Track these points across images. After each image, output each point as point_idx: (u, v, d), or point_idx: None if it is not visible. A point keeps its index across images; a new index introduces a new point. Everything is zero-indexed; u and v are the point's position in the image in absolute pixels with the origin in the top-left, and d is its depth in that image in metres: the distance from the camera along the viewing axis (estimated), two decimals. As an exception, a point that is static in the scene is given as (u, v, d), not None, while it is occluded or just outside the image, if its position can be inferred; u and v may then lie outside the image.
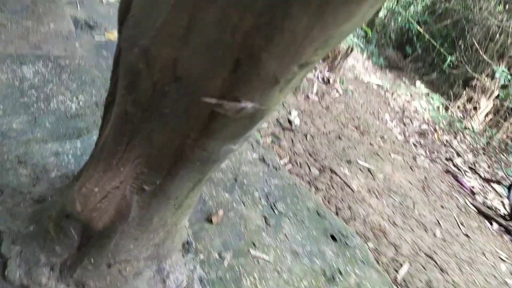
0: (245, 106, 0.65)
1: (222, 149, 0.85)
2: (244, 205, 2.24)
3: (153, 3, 0.62)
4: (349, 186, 3.00)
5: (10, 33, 1.91)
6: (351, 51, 4.14)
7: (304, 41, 0.57)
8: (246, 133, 0.81)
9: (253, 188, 2.39)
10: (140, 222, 1.05)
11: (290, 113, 3.31)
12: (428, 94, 6.89)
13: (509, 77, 5.88)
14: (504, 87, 6.40)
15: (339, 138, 3.51)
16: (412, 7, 8.32)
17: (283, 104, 3.38)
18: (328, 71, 4.14)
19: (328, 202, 2.80)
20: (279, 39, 0.54)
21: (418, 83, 7.16)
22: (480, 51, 6.69)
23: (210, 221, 1.95)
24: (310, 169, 2.98)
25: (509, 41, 6.79)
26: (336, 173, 3.05)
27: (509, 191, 3.96)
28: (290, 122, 3.22)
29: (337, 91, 4.03)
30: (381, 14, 8.12)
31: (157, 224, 1.09)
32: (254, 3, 0.52)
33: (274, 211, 2.32)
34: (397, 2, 8.24)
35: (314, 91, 3.76)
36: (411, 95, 6.44)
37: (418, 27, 7.21)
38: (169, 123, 0.77)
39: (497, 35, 6.97)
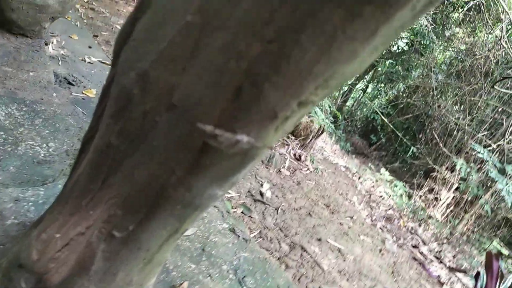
0: (241, 140, 0.62)
1: (207, 193, 0.79)
2: (211, 278, 2.08)
3: (159, 27, 0.61)
4: (319, 266, 2.89)
5: (-15, 78, 1.86)
6: (322, 131, 4.32)
7: (308, 76, 0.57)
8: (234, 175, 0.77)
9: (222, 260, 2.24)
10: (102, 277, 0.93)
11: (262, 186, 3.28)
12: (392, 181, 7.13)
13: (468, 169, 6.24)
14: (463, 179, 6.75)
15: (310, 215, 3.46)
16: (376, 99, 9.00)
17: (255, 176, 3.36)
18: (299, 148, 4.25)
19: (299, 281, 2.66)
20: (285, 69, 0.54)
21: (382, 170, 7.44)
22: (440, 145, 7.17)
23: (174, 290, 1.78)
24: (280, 245, 2.87)
25: (465, 138, 7.35)
26: (306, 251, 2.94)
27: (476, 282, 3.93)
28: (261, 194, 3.18)
29: (308, 168, 4.09)
30: (348, 103, 8.71)
31: (120, 282, 0.96)
32: (265, 29, 0.52)
33: (242, 286, 2.16)
34: (364, 93, 8.92)
35: (286, 165, 3.80)
36: (376, 181, 6.63)
37: (382, 117, 7.72)
38: (156, 157, 0.72)
39: (455, 131, 7.56)
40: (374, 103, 8.97)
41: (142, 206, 0.80)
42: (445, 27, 8.60)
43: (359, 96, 9.07)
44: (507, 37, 6.36)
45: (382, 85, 9.21)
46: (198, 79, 0.59)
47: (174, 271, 2.00)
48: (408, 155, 7.73)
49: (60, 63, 2.60)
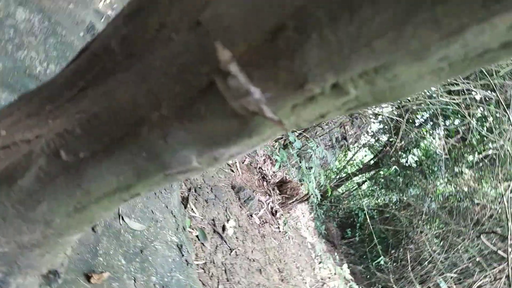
0: (252, 93, 0.52)
1: (182, 153, 0.67)
2: (135, 282, 1.87)
3: None
4: (246, 326, 2.64)
5: None
6: (307, 199, 4.20)
7: (363, 48, 0.47)
8: (221, 145, 0.65)
9: (154, 270, 2.04)
10: (24, 198, 0.78)
11: (228, 221, 3.10)
12: (349, 282, 6.85)
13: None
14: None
15: (260, 271, 3.24)
16: (367, 198, 8.94)
17: (226, 209, 3.20)
18: (279, 205, 4.10)
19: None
20: (343, 24, 0.45)
21: (345, 266, 7.18)
22: (409, 268, 6.98)
23: (88, 279, 1.58)
24: (218, 286, 2.64)
25: (434, 273, 7.17)
26: (240, 305, 2.71)
27: None
28: (224, 229, 2.99)
29: (278, 227, 3.92)
30: (340, 189, 8.65)
31: (40, 215, 0.81)
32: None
33: (161, 306, 1.94)
34: (358, 187, 8.89)
35: (260, 214, 3.64)
36: (334, 273, 6.37)
37: (366, 217, 7.61)
38: (149, 81, 0.61)
39: (426, 262, 7.39)
40: (364, 201, 8.89)
41: (105, 135, 0.68)
42: (457, 164, 8.75)
43: (352, 188, 9.03)
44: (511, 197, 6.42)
45: (378, 187, 9.20)
46: (238, 2, 0.50)
47: (101, 257, 1.80)
48: (374, 264, 7.51)
49: (102, 20, 2.57)
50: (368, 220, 7.70)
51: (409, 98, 7.51)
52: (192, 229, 2.70)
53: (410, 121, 8.29)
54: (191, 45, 0.55)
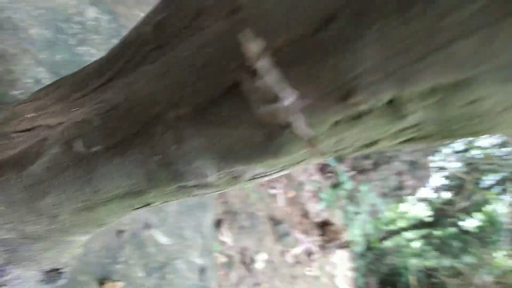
0: (284, 97, 0.42)
1: (196, 163, 0.58)
2: (149, 298, 1.78)
3: None
4: None
5: None
6: (349, 245, 3.91)
7: (454, 42, 0.34)
8: (239, 160, 0.55)
9: (171, 290, 1.94)
10: (31, 186, 0.73)
11: (259, 253, 2.94)
12: None
13: None
14: None
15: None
16: (416, 258, 8.23)
17: (259, 241, 3.04)
18: (317, 246, 3.86)
19: None
20: (415, 13, 0.33)
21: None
22: None
23: (101, 284, 1.52)
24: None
25: None
26: None
27: None
28: (253, 260, 2.84)
29: (311, 271, 3.66)
30: (387, 243, 8.07)
31: (46, 208, 0.75)
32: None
33: (172, 330, 1.83)
34: (407, 245, 8.23)
35: (294, 252, 3.43)
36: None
37: (411, 280, 6.96)
38: (172, 73, 0.53)
39: None
40: (412, 260, 8.17)
41: (120, 130, 0.61)
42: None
43: (402, 243, 8.37)
44: None
45: (431, 248, 8.43)
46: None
47: (120, 265, 1.74)
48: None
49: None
50: (412, 282, 7.04)
51: (479, 156, 6.92)
52: (220, 254, 2.58)
53: (477, 181, 7.61)
54: (224, 34, 0.47)
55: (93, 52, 1.43)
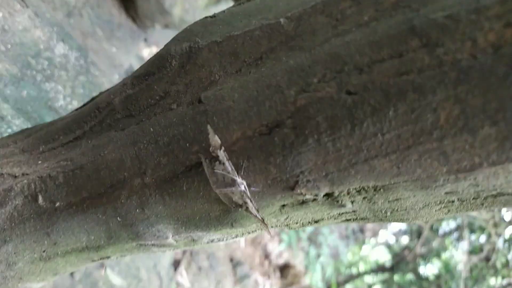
0: (237, 183, 0.47)
1: (157, 226, 0.62)
2: None
3: (244, 15, 0.53)
4: None
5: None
6: (308, 290, 3.91)
7: (374, 159, 0.41)
8: (199, 228, 0.59)
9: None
10: (-10, 233, 0.74)
11: (218, 295, 2.90)
12: None
13: None
14: None
15: None
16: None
17: (217, 283, 3.00)
18: (279, 286, 3.83)
19: None
20: (349, 135, 0.41)
21: None
22: None
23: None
24: None
25: None
26: None
27: None
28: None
29: (271, 314, 3.61)
30: (348, 287, 8.07)
31: (4, 255, 0.75)
32: (353, 77, 0.41)
33: None
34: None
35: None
36: None
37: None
38: (138, 146, 0.58)
39: None
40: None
41: (85, 189, 0.65)
42: (477, 285, 8.08)
43: None
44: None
45: (389, 295, 8.52)
46: (242, 88, 0.48)
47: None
48: None
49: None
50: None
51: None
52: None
53: (434, 228, 7.87)
54: (187, 120, 0.53)
55: (60, 88, 1.45)
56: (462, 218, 6.43)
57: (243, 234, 0.63)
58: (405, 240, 8.86)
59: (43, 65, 1.46)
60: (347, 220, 0.58)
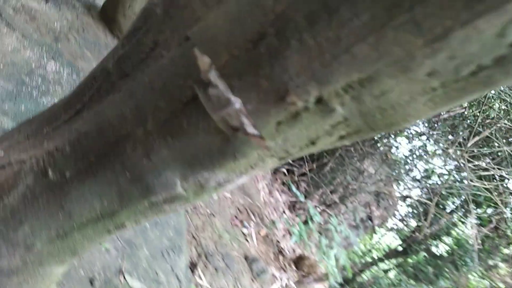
0: (233, 102, 0.51)
1: (165, 175, 0.65)
2: None
3: None
4: None
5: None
6: (327, 278, 3.90)
7: (345, 55, 0.45)
8: (205, 166, 0.63)
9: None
10: (7, 217, 0.76)
11: (237, 293, 2.90)
12: None
13: None
14: None
15: None
16: (393, 288, 8.23)
17: (236, 281, 3.01)
18: (294, 283, 3.83)
19: None
20: (323, 28, 0.44)
21: None
22: None
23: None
24: None
25: None
26: None
27: None
28: (231, 301, 2.79)
29: (292, 308, 3.61)
30: (365, 276, 8.05)
31: (21, 238, 0.78)
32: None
33: None
34: (385, 275, 8.24)
35: (272, 290, 3.39)
36: None
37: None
38: (137, 97, 0.62)
39: None
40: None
41: (91, 152, 0.68)
42: (491, 255, 8.08)
43: (378, 275, 8.38)
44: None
45: (406, 277, 8.50)
46: (225, 14, 0.51)
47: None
48: None
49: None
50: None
51: (438, 181, 7.24)
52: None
53: (441, 206, 7.89)
54: (177, 58, 0.56)
55: (56, 101, 1.49)
56: (465, 191, 6.45)
57: (246, 170, 0.66)
58: (413, 223, 8.87)
59: (37, 81, 1.50)
60: (342, 138, 0.61)
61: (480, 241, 7.53)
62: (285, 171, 6.04)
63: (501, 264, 8.13)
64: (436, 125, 6.69)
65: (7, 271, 0.83)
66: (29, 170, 0.74)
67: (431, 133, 6.71)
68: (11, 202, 0.75)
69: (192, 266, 2.62)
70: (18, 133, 0.83)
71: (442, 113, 6.19)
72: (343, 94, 0.50)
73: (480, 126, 5.62)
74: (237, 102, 0.51)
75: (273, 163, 0.68)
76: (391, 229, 8.98)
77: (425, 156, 7.33)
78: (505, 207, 6.63)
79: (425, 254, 7.98)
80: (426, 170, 7.72)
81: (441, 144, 6.80)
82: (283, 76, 0.48)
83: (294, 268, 4.02)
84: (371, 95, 0.50)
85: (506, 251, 8.15)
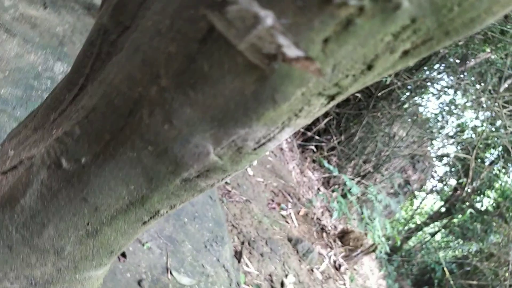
0: (263, 18, 0.39)
1: (194, 140, 0.54)
2: None
3: None
4: None
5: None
6: (374, 249, 3.77)
7: None
8: (237, 125, 0.51)
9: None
10: (28, 221, 0.68)
11: (286, 276, 2.82)
12: None
13: None
14: None
15: (329, 335, 2.84)
16: (443, 251, 8.01)
17: (283, 263, 2.92)
18: (342, 258, 3.72)
19: None
20: None
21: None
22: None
23: None
24: None
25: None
26: None
27: None
28: (282, 285, 2.71)
29: (344, 284, 3.50)
30: (411, 242, 7.87)
31: (49, 241, 0.70)
32: None
33: None
34: (430, 239, 8.03)
35: (321, 268, 3.29)
36: None
37: (446, 271, 6.71)
38: (142, 50, 0.50)
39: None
40: (439, 254, 7.94)
41: (105, 130, 0.57)
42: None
43: (425, 239, 8.17)
44: None
45: (454, 237, 8.24)
46: None
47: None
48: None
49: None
50: (447, 275, 6.79)
51: (472, 134, 6.90)
52: (247, 285, 2.46)
53: (479, 159, 7.55)
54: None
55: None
56: (504, 139, 6.12)
57: (290, 119, 0.54)
58: (453, 181, 8.56)
59: (46, 84, 1.43)
60: (405, 53, 0.48)
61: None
62: (313, 148, 5.89)
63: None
64: (462, 75, 6.33)
65: (42, 282, 0.75)
66: (41, 163, 0.65)
67: (458, 84, 6.35)
68: (29, 204, 0.66)
69: (237, 255, 2.55)
70: (24, 128, 0.75)
71: (467, 61, 5.87)
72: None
73: (510, 69, 5.26)
74: (268, 17, 0.39)
75: (320, 108, 0.56)
76: (432, 191, 8.71)
77: (455, 111, 6.99)
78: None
79: (471, 211, 7.69)
80: (458, 125, 7.39)
81: (471, 95, 6.47)
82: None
83: (339, 243, 3.90)
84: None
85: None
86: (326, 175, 5.73)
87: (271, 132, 0.56)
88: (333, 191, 5.42)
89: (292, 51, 0.40)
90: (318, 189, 5.30)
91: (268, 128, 0.54)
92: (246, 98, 0.48)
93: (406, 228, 8.58)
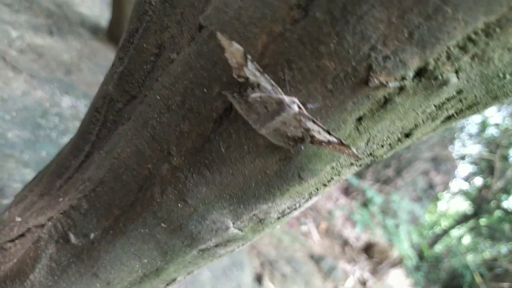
0: (287, 105, 0.33)
1: (211, 216, 0.48)
2: None
3: None
4: None
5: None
6: (401, 261, 3.64)
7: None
8: (259, 200, 0.45)
9: None
10: (37, 298, 0.63)
11: (311, 296, 2.73)
12: None
13: None
14: None
15: None
16: (472, 254, 7.74)
17: (306, 284, 2.83)
18: (369, 272, 3.59)
19: None
20: None
21: None
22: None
23: None
24: None
25: None
26: None
27: None
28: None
29: (372, 299, 3.38)
30: (437, 248, 7.62)
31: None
32: None
33: None
34: (458, 243, 7.77)
35: (347, 285, 3.18)
36: None
37: (475, 276, 6.46)
38: (151, 125, 0.45)
39: None
40: (468, 257, 7.67)
41: (113, 205, 0.52)
42: None
43: (452, 243, 7.90)
44: None
45: (482, 239, 7.94)
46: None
47: None
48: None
49: None
50: (478, 279, 6.54)
51: (495, 132, 6.68)
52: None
53: (504, 157, 7.29)
54: (194, 59, 0.39)
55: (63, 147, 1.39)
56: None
57: (318, 189, 0.48)
58: (478, 181, 8.28)
59: (54, 121, 1.40)
60: (448, 119, 0.42)
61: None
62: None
63: None
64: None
65: None
66: (48, 238, 0.60)
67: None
68: (38, 279, 0.62)
69: (258, 278, 2.48)
70: (30, 192, 0.70)
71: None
72: (460, 56, 0.31)
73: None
74: (293, 103, 0.33)
75: (351, 172, 0.50)
76: (457, 193, 8.44)
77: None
78: None
79: (499, 212, 7.42)
80: (480, 123, 7.15)
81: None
82: (361, 48, 0.30)
83: (365, 257, 3.78)
84: (503, 45, 0.31)
85: None
86: (344, 183, 5.61)
87: (297, 202, 0.50)
88: (353, 199, 5.29)
89: (321, 136, 0.34)
90: (337, 199, 5.18)
91: (294, 200, 0.48)
92: (268, 177, 0.42)
93: (432, 232, 8.32)
